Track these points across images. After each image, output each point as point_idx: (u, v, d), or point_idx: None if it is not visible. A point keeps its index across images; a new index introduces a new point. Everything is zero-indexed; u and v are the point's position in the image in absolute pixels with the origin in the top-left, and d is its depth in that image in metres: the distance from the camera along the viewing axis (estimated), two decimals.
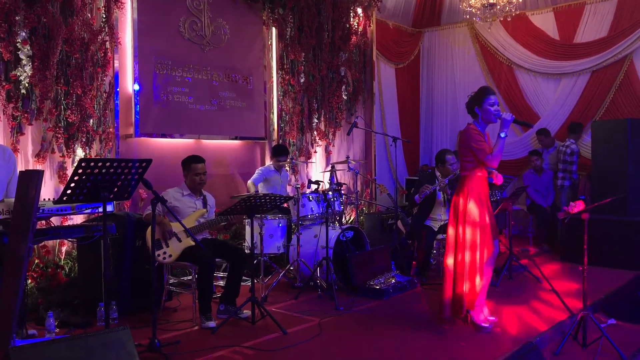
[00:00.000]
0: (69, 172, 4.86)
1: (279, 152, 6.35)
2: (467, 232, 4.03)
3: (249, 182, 6.30)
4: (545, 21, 8.40)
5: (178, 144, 5.95)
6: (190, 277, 4.67)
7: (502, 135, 3.96)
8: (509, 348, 3.62)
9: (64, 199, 3.15)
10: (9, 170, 3.68)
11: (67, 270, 4.80)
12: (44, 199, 3.61)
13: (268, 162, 6.79)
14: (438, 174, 5.73)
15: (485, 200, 4.08)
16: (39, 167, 4.75)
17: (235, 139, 6.57)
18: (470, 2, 7.29)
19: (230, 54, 6.45)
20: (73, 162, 4.94)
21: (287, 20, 6.99)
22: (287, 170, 6.76)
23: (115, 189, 3.30)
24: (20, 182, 3.04)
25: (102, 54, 5.15)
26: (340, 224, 5.83)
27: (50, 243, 4.76)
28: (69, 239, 4.65)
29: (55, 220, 4.39)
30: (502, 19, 8.04)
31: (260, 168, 6.46)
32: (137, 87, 5.53)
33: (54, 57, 4.70)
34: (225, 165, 6.49)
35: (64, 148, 4.93)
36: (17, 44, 4.56)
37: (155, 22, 5.71)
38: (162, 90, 5.77)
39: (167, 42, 5.81)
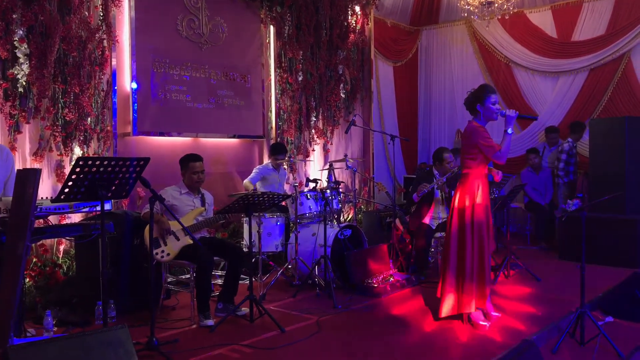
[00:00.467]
0: (67, 170, 4.86)
1: (277, 151, 6.35)
2: (467, 230, 4.03)
3: (246, 181, 6.28)
4: (543, 19, 8.41)
5: (176, 143, 5.95)
6: (188, 276, 4.68)
7: (509, 131, 3.96)
8: (507, 346, 3.64)
9: (62, 197, 3.14)
10: (6, 168, 3.67)
11: (65, 269, 4.80)
12: (42, 198, 3.58)
13: (266, 160, 6.79)
14: (436, 172, 5.74)
15: (485, 198, 4.08)
16: (36, 165, 4.75)
17: (233, 137, 6.57)
18: (468, 0, 7.29)
19: (228, 52, 6.44)
20: (71, 160, 4.93)
21: (285, 18, 6.98)
22: (285, 169, 6.76)
23: (113, 188, 3.30)
24: (18, 181, 3.03)
25: (100, 52, 5.14)
26: (339, 222, 5.84)
27: (48, 242, 4.75)
28: (67, 238, 4.63)
29: (53, 219, 4.37)
30: (500, 17, 8.03)
31: (258, 166, 6.46)
32: (134, 85, 5.52)
33: (51, 56, 4.69)
34: (223, 164, 6.49)
35: (62, 146, 4.92)
36: (15, 42, 4.55)
37: (152, 20, 5.69)
38: (160, 89, 5.76)
39: (164, 41, 5.80)
